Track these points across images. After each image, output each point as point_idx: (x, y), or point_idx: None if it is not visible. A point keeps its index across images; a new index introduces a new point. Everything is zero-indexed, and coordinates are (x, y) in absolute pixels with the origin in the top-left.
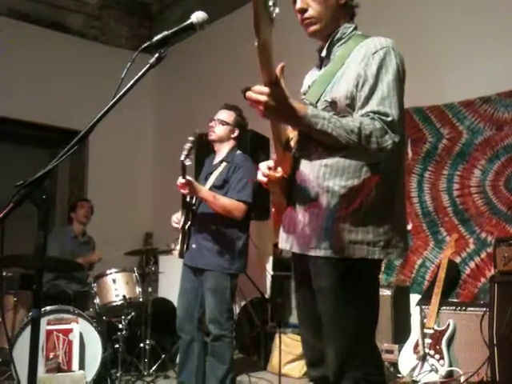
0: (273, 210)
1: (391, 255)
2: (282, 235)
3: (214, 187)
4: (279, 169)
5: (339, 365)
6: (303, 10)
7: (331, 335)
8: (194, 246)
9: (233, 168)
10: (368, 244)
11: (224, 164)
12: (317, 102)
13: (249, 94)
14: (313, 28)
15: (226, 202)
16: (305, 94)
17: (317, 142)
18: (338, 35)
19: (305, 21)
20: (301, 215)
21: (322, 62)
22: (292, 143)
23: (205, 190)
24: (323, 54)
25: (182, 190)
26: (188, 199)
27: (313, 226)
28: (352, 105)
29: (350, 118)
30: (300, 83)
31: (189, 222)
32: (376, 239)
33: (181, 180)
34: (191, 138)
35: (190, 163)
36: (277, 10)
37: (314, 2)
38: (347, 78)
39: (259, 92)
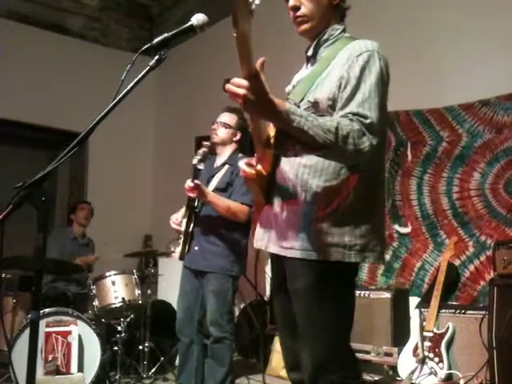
0: (253, 209)
1: (367, 259)
2: (258, 233)
3: (217, 190)
4: (258, 166)
5: (314, 368)
6: (296, 8)
7: (306, 338)
8: (196, 248)
9: (236, 171)
10: (344, 247)
11: (227, 167)
12: (300, 102)
13: (228, 86)
14: (304, 26)
15: (232, 205)
16: (289, 94)
17: (294, 140)
18: (325, 36)
19: (297, 19)
20: (278, 213)
21: (308, 62)
22: (272, 141)
23: (212, 193)
24: (309, 53)
25: (190, 194)
26: (194, 203)
27: (289, 226)
28: (334, 106)
29: (328, 117)
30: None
31: (192, 225)
32: (352, 242)
33: (189, 183)
34: (207, 143)
35: (202, 168)
36: (257, 2)
37: (307, 1)
38: (331, 80)
39: (238, 85)
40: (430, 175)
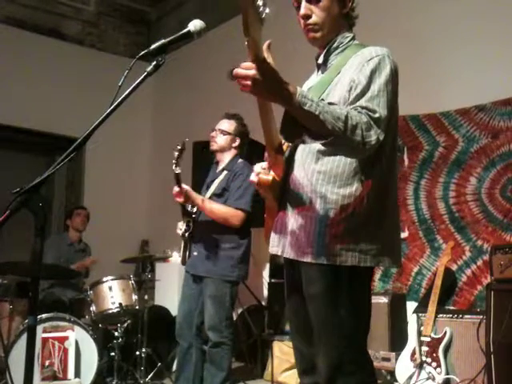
0: (265, 215)
1: (383, 263)
2: (273, 239)
3: (214, 195)
4: (271, 172)
5: (331, 371)
6: (307, 17)
7: (322, 342)
8: (195, 253)
9: (232, 176)
10: (360, 251)
11: (225, 172)
12: None
13: (236, 70)
14: (315, 35)
15: (223, 210)
16: None
17: (302, 126)
18: (335, 44)
19: (307, 27)
20: (293, 219)
21: (318, 69)
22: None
23: (200, 198)
24: (320, 60)
25: (178, 199)
26: (189, 208)
27: (305, 231)
28: None
29: (337, 106)
30: None
31: (189, 230)
32: (368, 247)
33: (175, 189)
34: (178, 147)
35: (179, 171)
36: (267, 10)
37: (318, 9)
38: (342, 85)
39: (247, 67)
40: (426, 180)
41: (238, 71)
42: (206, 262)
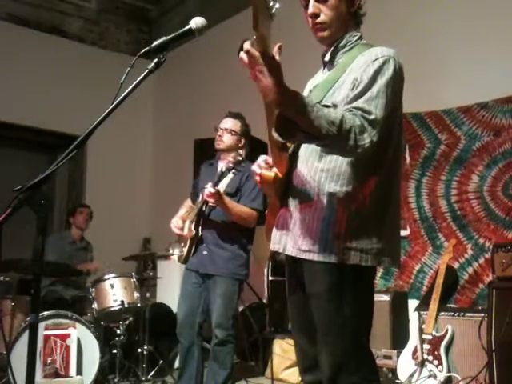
0: (266, 212)
1: (384, 263)
2: (275, 236)
3: (226, 195)
4: (274, 169)
5: (333, 369)
6: (315, 15)
7: (325, 340)
8: (204, 252)
9: (245, 177)
10: (361, 251)
11: (232, 172)
12: None
13: (242, 54)
14: (323, 33)
15: (244, 211)
16: None
17: (296, 127)
18: (342, 42)
19: (316, 25)
20: (295, 216)
21: (324, 67)
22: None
23: (228, 199)
24: (326, 58)
25: (210, 199)
26: (204, 208)
27: (307, 229)
28: None
29: (332, 109)
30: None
31: (200, 229)
32: (369, 246)
33: (211, 189)
34: (241, 152)
35: (232, 175)
36: (277, 6)
37: (326, 8)
38: (347, 84)
39: (252, 56)
40: (428, 178)
41: (244, 58)
42: (217, 260)
